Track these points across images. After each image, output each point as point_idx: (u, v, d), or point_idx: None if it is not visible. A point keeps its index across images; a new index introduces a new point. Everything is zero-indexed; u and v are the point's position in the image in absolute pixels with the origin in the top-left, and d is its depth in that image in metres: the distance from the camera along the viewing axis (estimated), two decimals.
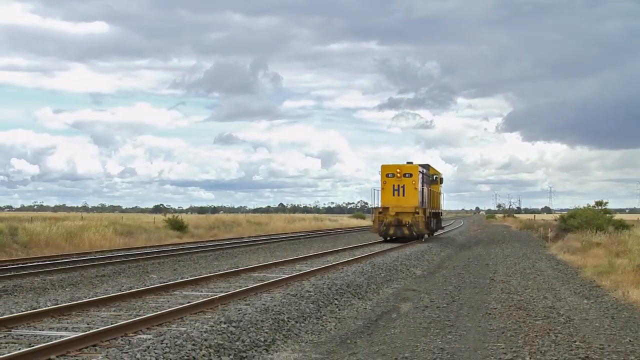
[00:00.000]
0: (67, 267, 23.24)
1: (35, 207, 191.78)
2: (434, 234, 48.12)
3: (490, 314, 14.38)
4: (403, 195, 38.69)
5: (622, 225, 41.29)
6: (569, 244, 33.55)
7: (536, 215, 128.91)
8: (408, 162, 40.86)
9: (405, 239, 38.21)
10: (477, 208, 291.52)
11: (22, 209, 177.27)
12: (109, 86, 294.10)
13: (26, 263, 24.63)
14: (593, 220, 40.93)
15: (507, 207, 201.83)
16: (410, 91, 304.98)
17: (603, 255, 25.78)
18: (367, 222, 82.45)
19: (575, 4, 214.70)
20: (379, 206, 39.13)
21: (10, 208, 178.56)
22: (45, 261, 25.48)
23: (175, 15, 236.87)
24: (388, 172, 39.38)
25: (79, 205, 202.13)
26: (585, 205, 49.36)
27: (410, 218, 38.14)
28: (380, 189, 39.49)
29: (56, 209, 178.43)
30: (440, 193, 49.73)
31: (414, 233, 38.11)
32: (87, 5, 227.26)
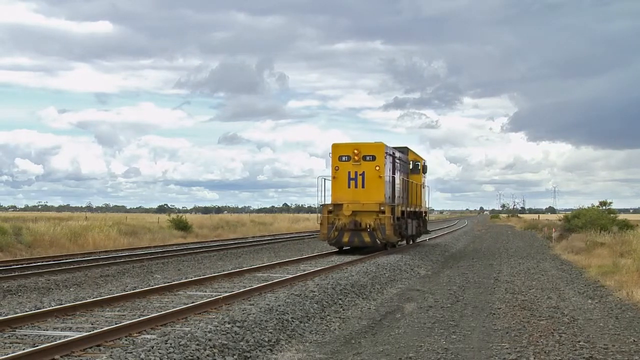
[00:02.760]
0: (71, 267, 23.27)
1: (40, 207, 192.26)
2: (416, 240, 37.66)
3: (494, 314, 14.37)
4: (362, 186, 27.71)
5: (626, 226, 41.25)
6: (573, 244, 33.50)
7: (540, 215, 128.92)
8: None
9: (366, 249, 29.10)
10: (481, 208, 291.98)
11: (26, 209, 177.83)
12: (113, 86, 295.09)
13: (30, 263, 24.66)
14: (597, 220, 40.88)
15: (511, 207, 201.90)
16: (416, 91, 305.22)
17: (607, 256, 25.75)
18: None
19: (584, 3, 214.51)
20: (329, 203, 28.05)
21: (14, 208, 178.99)
22: (49, 261, 25.51)
23: (180, 14, 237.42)
24: (341, 154, 27.97)
25: (83, 205, 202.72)
26: (590, 205, 49.33)
27: (372, 219, 27.27)
28: (330, 178, 28.33)
29: (60, 209, 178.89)
30: (423, 186, 37.23)
31: (378, 240, 27.43)
32: (91, 5, 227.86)
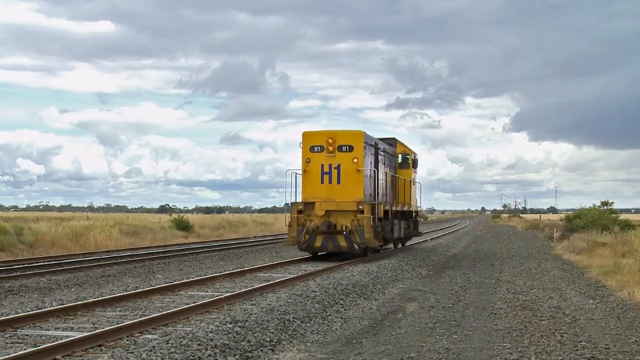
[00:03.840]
0: (73, 267, 23.29)
1: (41, 207, 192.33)
2: (406, 243, 34.07)
3: (495, 314, 14.36)
4: (338, 182, 24.24)
5: (627, 226, 41.22)
6: (574, 244, 33.48)
7: (542, 215, 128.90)
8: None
9: (343, 254, 25.69)
10: (483, 208, 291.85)
11: (28, 209, 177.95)
12: (114, 86, 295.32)
13: (32, 263, 24.68)
14: (599, 221, 40.90)
15: (512, 207, 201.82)
16: (418, 91, 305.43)
17: (609, 256, 25.75)
18: None
19: (586, 3, 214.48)
20: (299, 201, 24.66)
21: (16, 208, 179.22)
22: (50, 261, 25.53)
23: (181, 14, 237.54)
24: (313, 144, 24.47)
25: (85, 205, 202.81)
26: (591, 206, 49.32)
27: (349, 220, 23.81)
28: (300, 172, 24.83)
29: (62, 209, 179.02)
30: (413, 182, 33.29)
31: (356, 245, 23.89)
32: (92, 5, 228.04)
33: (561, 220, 54.47)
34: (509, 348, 10.90)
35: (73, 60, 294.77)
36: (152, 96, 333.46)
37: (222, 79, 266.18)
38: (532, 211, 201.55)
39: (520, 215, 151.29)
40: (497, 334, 12.21)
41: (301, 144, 24.65)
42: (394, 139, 31.49)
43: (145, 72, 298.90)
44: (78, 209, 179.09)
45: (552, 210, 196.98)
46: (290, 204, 24.84)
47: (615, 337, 11.85)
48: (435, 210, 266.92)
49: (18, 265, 23.81)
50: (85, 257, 27.83)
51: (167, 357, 9.33)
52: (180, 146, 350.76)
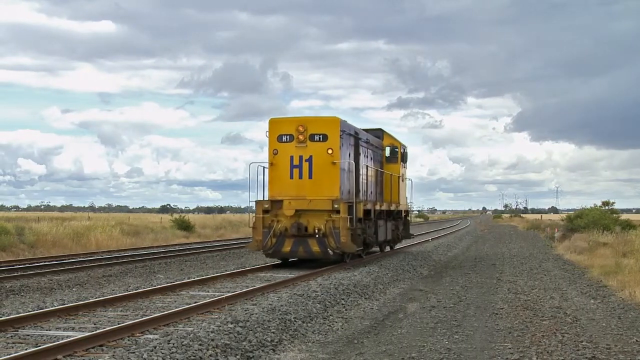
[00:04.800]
0: (74, 267, 23.30)
1: (42, 207, 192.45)
2: (394, 247, 30.82)
3: (497, 314, 14.36)
4: (310, 176, 21.17)
5: (629, 226, 41.24)
6: (575, 244, 33.49)
7: (543, 215, 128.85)
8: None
9: (316, 261, 22.32)
10: (484, 208, 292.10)
11: (29, 209, 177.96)
12: (116, 86, 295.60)
13: (33, 263, 24.68)
14: (600, 221, 40.90)
15: (513, 207, 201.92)
16: (420, 90, 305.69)
17: (610, 256, 25.73)
18: None
19: (589, 2, 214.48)
20: (265, 199, 21.56)
21: (17, 208, 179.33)
22: (52, 261, 25.53)
23: (182, 14, 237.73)
24: (282, 133, 21.45)
25: (86, 205, 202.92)
26: (592, 206, 49.33)
27: (322, 222, 20.78)
28: (267, 165, 21.79)
29: (63, 209, 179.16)
30: (403, 178, 29.78)
31: (330, 250, 20.78)
32: (93, 5, 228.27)
33: (562, 220, 54.45)
34: (510, 348, 10.90)
35: (74, 60, 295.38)
36: (154, 96, 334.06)
37: (223, 78, 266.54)
38: (533, 211, 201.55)
39: (522, 215, 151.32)
40: (499, 334, 12.21)
41: (268, 133, 21.66)
42: (380, 129, 28.85)
43: (147, 72, 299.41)
44: (79, 209, 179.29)
45: (553, 210, 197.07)
46: (255, 203, 21.68)
47: (617, 337, 11.85)
48: (436, 210, 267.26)
49: (19, 265, 23.82)
50: (87, 257, 27.84)
51: (169, 357, 9.33)
52: (182, 146, 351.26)
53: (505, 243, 42.84)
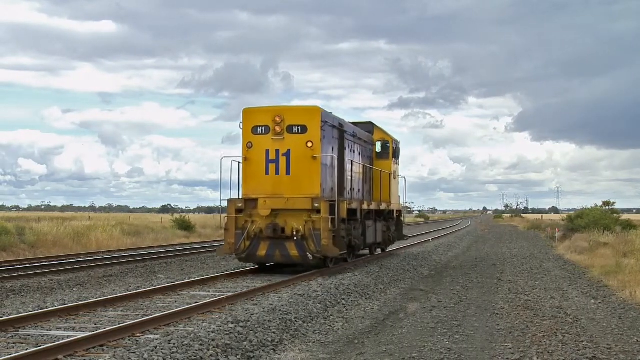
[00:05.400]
0: (75, 267, 23.31)
1: (43, 207, 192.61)
2: (386, 249, 28.60)
3: (497, 314, 14.36)
4: (287, 172, 19.45)
5: (629, 226, 41.26)
6: (576, 244, 33.49)
7: (543, 215, 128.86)
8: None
9: (294, 266, 20.69)
10: (485, 208, 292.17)
11: (30, 209, 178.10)
12: (116, 86, 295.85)
13: (33, 263, 24.69)
14: (600, 221, 40.91)
15: (514, 207, 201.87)
16: (421, 90, 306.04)
17: (610, 256, 25.73)
18: None
19: (591, 2, 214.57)
20: (238, 197, 19.93)
21: (17, 208, 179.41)
22: (52, 261, 25.54)
23: (183, 14, 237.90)
24: (257, 124, 19.79)
25: (87, 205, 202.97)
26: (593, 206, 49.32)
27: (301, 222, 19.08)
28: (240, 159, 20.10)
29: (64, 209, 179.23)
30: (395, 175, 28.04)
31: (310, 254, 19.00)
32: (94, 4, 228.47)
33: (563, 220, 54.45)
34: (510, 348, 10.90)
35: (75, 60, 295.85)
36: (155, 96, 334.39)
37: (224, 78, 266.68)
38: (534, 211, 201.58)
39: (522, 215, 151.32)
40: (499, 334, 12.20)
41: (241, 124, 19.95)
42: (370, 123, 27.09)
43: (148, 72, 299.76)
44: (80, 209, 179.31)
45: (554, 210, 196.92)
46: (227, 202, 19.98)
47: (617, 337, 11.85)
48: (437, 210, 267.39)
49: (20, 265, 23.82)
50: (87, 257, 27.84)
51: (169, 357, 9.33)
52: (183, 146, 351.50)
53: (506, 243, 42.83)
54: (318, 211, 18.93)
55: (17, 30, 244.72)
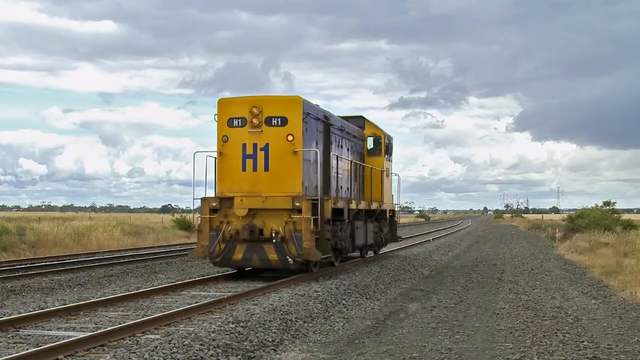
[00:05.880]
0: (75, 267, 23.30)
1: (43, 207, 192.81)
2: (379, 251, 27.34)
3: (498, 314, 14.36)
4: (265, 168, 18.09)
5: (630, 226, 41.29)
6: (576, 244, 33.50)
7: (544, 215, 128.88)
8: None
9: (273, 270, 19.49)
10: (485, 208, 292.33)
11: (30, 209, 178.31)
12: (117, 86, 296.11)
13: (34, 263, 24.69)
14: (601, 221, 40.93)
15: (514, 207, 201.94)
16: (422, 90, 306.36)
17: (611, 255, 25.73)
18: None
19: (593, 2, 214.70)
20: (214, 196, 18.62)
21: (18, 208, 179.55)
22: (53, 261, 25.54)
23: (183, 14, 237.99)
24: (233, 116, 18.36)
25: (87, 205, 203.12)
26: (594, 206, 49.35)
27: (281, 223, 17.72)
28: (215, 154, 18.76)
29: (64, 209, 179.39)
30: (387, 173, 26.69)
31: (290, 258, 17.63)
32: (94, 4, 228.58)
33: (563, 220, 54.50)
34: (511, 348, 10.90)
35: (75, 60, 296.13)
36: (155, 96, 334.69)
37: (225, 78, 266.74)
38: (535, 211, 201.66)
39: (523, 215, 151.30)
40: (500, 334, 12.20)
41: (216, 116, 18.56)
42: (361, 117, 25.74)
43: (148, 71, 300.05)
44: (80, 209, 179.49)
45: (555, 210, 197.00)
46: (200, 201, 18.62)
47: (618, 337, 11.84)
48: (437, 210, 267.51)
49: (20, 265, 23.82)
50: (88, 257, 27.85)
51: (170, 357, 9.34)
52: (183, 146, 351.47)
53: (507, 243, 42.82)
54: (299, 211, 17.53)
55: (18, 30, 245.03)
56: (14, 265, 23.56)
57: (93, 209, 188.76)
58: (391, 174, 27.42)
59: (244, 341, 10.69)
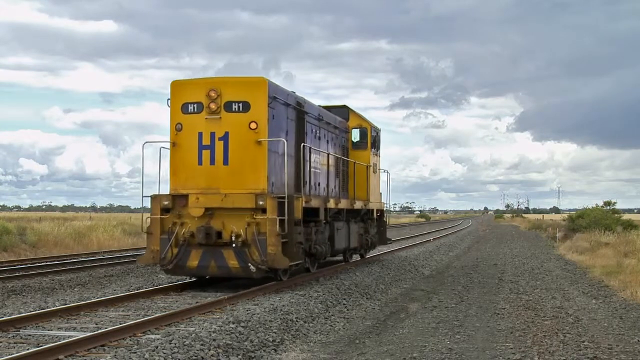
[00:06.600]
0: (76, 267, 23.30)
1: (44, 207, 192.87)
2: (365, 254, 24.66)
3: (498, 314, 14.36)
4: (225, 161, 15.81)
5: (630, 225, 41.28)
6: (577, 244, 33.50)
7: (544, 215, 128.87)
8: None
9: (234, 278, 17.40)
10: (486, 208, 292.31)
11: (31, 209, 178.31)
12: (117, 85, 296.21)
13: (34, 263, 24.69)
14: (601, 221, 40.95)
15: (515, 207, 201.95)
16: (423, 90, 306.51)
17: (611, 255, 25.72)
18: None
19: (594, 2, 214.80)
20: (164, 193, 16.21)
21: (18, 208, 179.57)
22: (53, 261, 25.54)
23: (184, 14, 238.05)
24: (188, 101, 16.07)
25: (88, 205, 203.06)
26: (594, 206, 49.36)
27: (242, 225, 15.46)
28: (169, 145, 16.44)
29: (64, 209, 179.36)
30: (375, 169, 24.34)
31: (253, 266, 15.31)
32: (94, 4, 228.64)
33: (564, 220, 54.49)
34: (511, 348, 10.90)
35: (76, 60, 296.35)
36: (156, 96, 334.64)
37: None
38: (535, 211, 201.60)
39: (523, 215, 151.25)
40: (500, 334, 12.20)
41: (169, 101, 16.34)
42: (344, 107, 23.28)
43: (149, 71, 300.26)
44: (81, 209, 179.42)
45: (555, 210, 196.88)
46: (150, 199, 16.22)
47: (618, 337, 11.84)
48: (438, 210, 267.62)
49: (21, 265, 23.82)
50: (88, 257, 27.85)
51: (170, 357, 9.34)
52: None
53: (507, 243, 42.81)
54: (264, 210, 15.30)
55: (18, 30, 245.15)
56: (15, 265, 23.57)
57: (93, 209, 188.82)
58: (379, 169, 25.06)
59: (245, 341, 10.69)
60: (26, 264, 24.22)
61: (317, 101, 20.86)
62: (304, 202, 16.31)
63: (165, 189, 16.36)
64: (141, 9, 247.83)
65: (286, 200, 15.55)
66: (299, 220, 16.05)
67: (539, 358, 10.21)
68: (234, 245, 15.34)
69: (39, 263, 24.71)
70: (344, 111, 22.90)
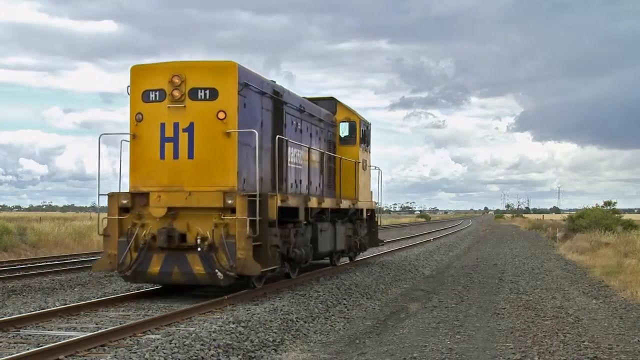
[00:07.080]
0: (76, 267, 23.28)
1: (44, 207, 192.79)
2: (355, 257, 23.34)
3: (498, 314, 14.36)
4: (190, 155, 14.28)
5: (630, 225, 41.30)
6: (577, 244, 33.50)
7: (545, 215, 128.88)
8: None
9: (198, 286, 15.60)
10: (486, 208, 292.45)
11: (31, 209, 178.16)
12: (117, 85, 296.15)
13: (35, 263, 24.68)
14: (602, 221, 40.98)
15: (515, 207, 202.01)
16: (423, 90, 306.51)
17: (612, 255, 25.73)
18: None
19: (594, 2, 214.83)
20: (127, 191, 14.67)
21: (19, 208, 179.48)
22: (53, 261, 25.53)
23: (184, 13, 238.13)
24: (149, 88, 14.42)
25: (88, 205, 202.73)
26: (594, 206, 49.38)
27: (209, 226, 13.98)
28: (129, 137, 14.83)
29: (65, 209, 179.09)
30: (365, 165, 22.87)
31: (220, 272, 13.79)
32: (94, 4, 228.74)
33: (564, 220, 54.50)
34: (512, 348, 10.90)
35: (76, 60, 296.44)
36: None
37: None
38: (535, 211, 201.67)
39: (523, 215, 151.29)
40: (500, 334, 12.20)
41: (129, 89, 14.74)
42: (332, 98, 21.75)
43: None
44: (81, 209, 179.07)
45: (555, 210, 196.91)
46: (107, 198, 14.69)
47: (618, 337, 11.84)
48: (438, 210, 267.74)
49: (21, 265, 23.81)
50: (89, 257, 27.81)
51: (170, 357, 9.34)
52: None
53: (507, 243, 42.81)
54: (233, 210, 13.83)
55: (18, 30, 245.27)
56: (15, 265, 23.56)
57: (94, 209, 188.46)
58: (369, 166, 23.50)
59: (245, 341, 10.69)
60: (26, 264, 24.21)
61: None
62: (279, 201, 14.97)
63: (127, 187, 14.93)
64: (141, 9, 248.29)
65: (257, 199, 14.08)
66: (274, 221, 14.69)
67: (539, 358, 10.21)
68: (199, 249, 13.89)
69: (39, 263, 24.70)
70: (331, 103, 21.48)
